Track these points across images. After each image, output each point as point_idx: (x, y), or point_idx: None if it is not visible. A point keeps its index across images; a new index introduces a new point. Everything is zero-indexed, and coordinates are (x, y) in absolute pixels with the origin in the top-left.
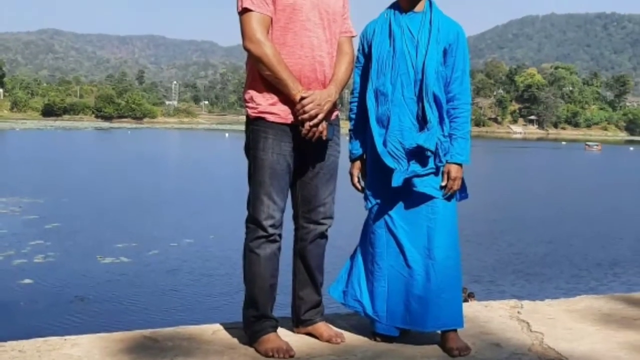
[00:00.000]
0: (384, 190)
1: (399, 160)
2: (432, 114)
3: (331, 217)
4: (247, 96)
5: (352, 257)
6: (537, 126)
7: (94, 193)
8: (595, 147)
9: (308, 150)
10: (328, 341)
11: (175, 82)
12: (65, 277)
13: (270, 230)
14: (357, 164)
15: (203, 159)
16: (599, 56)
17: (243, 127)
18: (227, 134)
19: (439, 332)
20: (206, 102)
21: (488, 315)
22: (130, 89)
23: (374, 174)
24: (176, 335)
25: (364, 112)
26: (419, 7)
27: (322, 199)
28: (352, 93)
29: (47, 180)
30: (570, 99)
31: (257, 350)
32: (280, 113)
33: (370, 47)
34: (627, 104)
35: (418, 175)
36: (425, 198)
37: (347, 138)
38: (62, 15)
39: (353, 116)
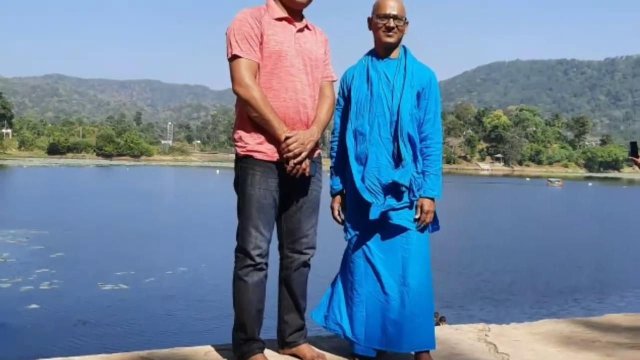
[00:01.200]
0: (362, 222)
1: (376, 195)
2: (406, 153)
3: (314, 247)
4: (236, 136)
5: (333, 284)
6: (503, 163)
7: (96, 225)
8: (557, 182)
9: (292, 186)
10: None
11: (170, 123)
12: (69, 302)
13: (258, 260)
14: (338, 198)
15: (195, 194)
16: (560, 99)
17: (233, 165)
18: (217, 171)
19: (413, 353)
20: (198, 142)
21: (458, 338)
22: (129, 129)
23: (353, 208)
24: (171, 356)
25: (344, 150)
26: (394, 54)
27: (305, 231)
28: (333, 133)
29: (52, 213)
30: (534, 139)
31: None
32: (267, 151)
33: (349, 90)
34: (586, 143)
35: (394, 209)
36: (400, 230)
37: (328, 174)
38: (66, 62)
39: (334, 154)
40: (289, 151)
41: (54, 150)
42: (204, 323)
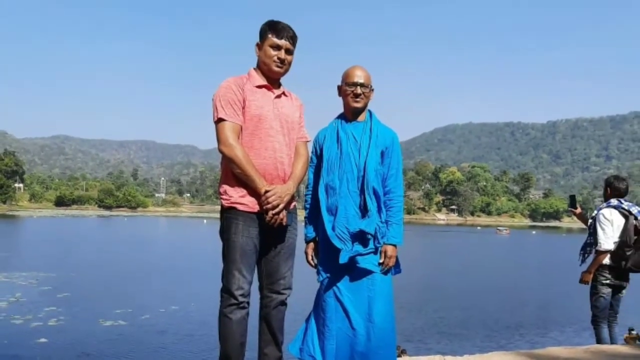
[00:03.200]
0: (332, 266)
1: (345, 242)
2: (372, 204)
3: (290, 288)
4: (221, 190)
5: (307, 320)
6: (457, 214)
7: (97, 268)
8: (504, 231)
9: (271, 234)
10: None
11: (163, 178)
12: (73, 336)
13: (241, 299)
14: (311, 244)
15: (185, 241)
16: (508, 157)
17: (218, 215)
18: (205, 221)
19: None
20: (188, 195)
21: None
22: (127, 184)
23: (325, 253)
24: None
25: (316, 202)
26: (361, 117)
27: (282, 273)
28: (307, 187)
29: (59, 257)
30: (484, 192)
31: None
32: (249, 203)
33: (321, 149)
34: (531, 196)
35: (360, 254)
36: (366, 272)
37: (303, 224)
38: (71, 124)
39: (307, 206)
40: (268, 203)
41: (60, 202)
42: (193, 355)
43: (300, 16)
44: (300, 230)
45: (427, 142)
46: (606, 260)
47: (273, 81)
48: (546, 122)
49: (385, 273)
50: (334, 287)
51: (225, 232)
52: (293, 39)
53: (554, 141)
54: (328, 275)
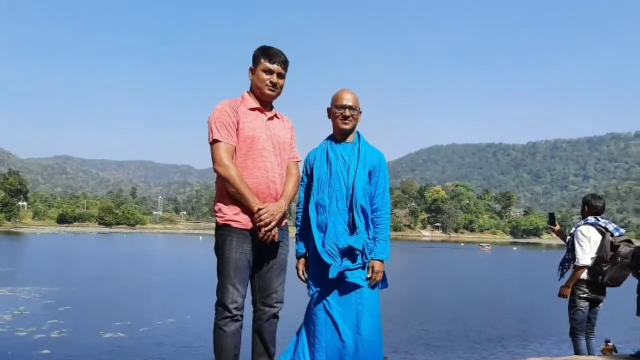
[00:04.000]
0: (322, 281)
1: (335, 258)
2: (360, 222)
3: (282, 302)
4: (216, 208)
5: (298, 332)
6: (441, 231)
7: (98, 283)
8: (487, 247)
9: (264, 250)
10: None
11: (160, 197)
12: (75, 348)
13: (235, 312)
14: (302, 260)
15: (182, 257)
16: (490, 177)
17: (213, 232)
18: (201, 238)
19: None
20: (185, 213)
21: None
22: (126, 202)
23: (315, 268)
24: None
25: (307, 220)
26: (350, 139)
27: (275, 288)
28: (298, 205)
29: (61, 273)
30: (468, 210)
31: None
32: (243, 221)
33: (312, 169)
34: (512, 214)
35: (349, 270)
36: (355, 287)
37: (294, 240)
38: (73, 145)
39: (299, 223)
40: (261, 221)
41: (62, 220)
42: None
43: (291, 41)
44: (292, 247)
45: (412, 163)
46: (584, 275)
47: (266, 104)
48: (526, 143)
49: (373, 288)
50: (324, 301)
51: (220, 249)
52: (285, 63)
53: (534, 161)
54: (318, 289)
